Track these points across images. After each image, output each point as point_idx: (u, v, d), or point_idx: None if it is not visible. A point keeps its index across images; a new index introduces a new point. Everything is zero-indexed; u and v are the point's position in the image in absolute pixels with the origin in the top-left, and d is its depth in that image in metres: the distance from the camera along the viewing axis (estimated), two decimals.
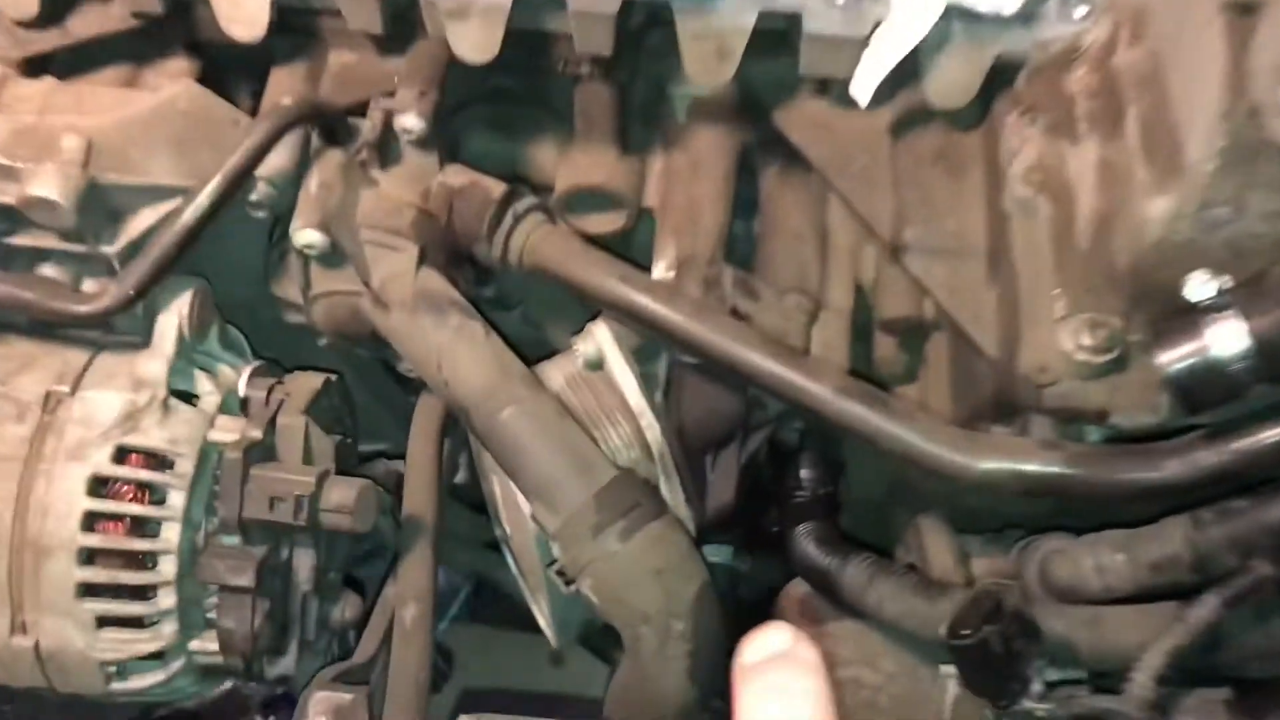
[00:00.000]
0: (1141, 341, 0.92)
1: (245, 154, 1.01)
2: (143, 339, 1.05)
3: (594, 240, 1.21)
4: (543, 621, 1.24)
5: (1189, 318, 0.86)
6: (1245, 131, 0.81)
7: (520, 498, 1.07)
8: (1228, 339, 0.84)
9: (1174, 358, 0.86)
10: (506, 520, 1.21)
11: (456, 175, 1.13)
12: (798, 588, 1.20)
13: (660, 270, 1.17)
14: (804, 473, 1.22)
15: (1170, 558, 0.95)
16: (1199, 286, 0.84)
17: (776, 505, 1.24)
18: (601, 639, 1.18)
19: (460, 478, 1.43)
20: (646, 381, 1.11)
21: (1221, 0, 0.80)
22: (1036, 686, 0.89)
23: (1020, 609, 0.89)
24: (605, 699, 1.05)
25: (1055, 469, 0.93)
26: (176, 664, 1.03)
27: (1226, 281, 0.84)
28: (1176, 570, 0.95)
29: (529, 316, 1.30)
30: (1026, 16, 0.98)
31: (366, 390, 1.29)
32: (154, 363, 1.02)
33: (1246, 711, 0.93)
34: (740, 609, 1.28)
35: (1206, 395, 0.87)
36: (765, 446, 1.24)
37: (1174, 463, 0.92)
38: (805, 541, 1.13)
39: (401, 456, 1.16)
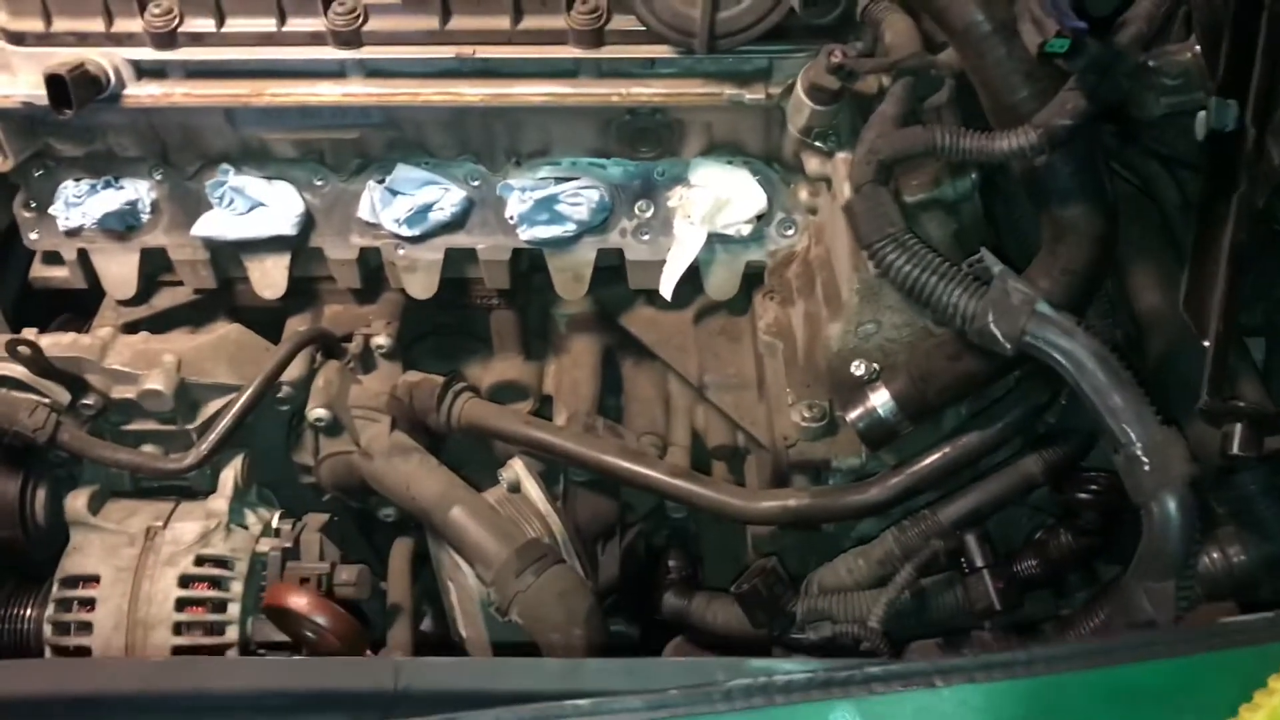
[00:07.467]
0: (841, 415, 1.49)
1: (277, 361, 1.58)
2: (210, 491, 1.58)
3: None
4: None
5: (861, 390, 1.44)
6: (867, 277, 1.41)
7: (470, 584, 1.57)
8: (881, 400, 1.42)
9: (856, 416, 1.43)
10: (461, 622, 1.70)
11: (413, 376, 1.71)
12: (674, 643, 1.69)
13: None
14: (671, 562, 1.74)
15: (888, 553, 1.47)
16: (859, 369, 1.42)
17: (656, 590, 1.75)
18: None
19: (425, 625, 1.92)
20: (551, 496, 1.64)
21: (840, 208, 1.42)
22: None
23: (777, 570, 1.40)
24: None
25: (805, 502, 1.48)
26: None
27: (875, 367, 1.43)
28: (893, 561, 1.47)
29: (468, 479, 1.83)
30: (759, 237, 1.62)
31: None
32: (219, 500, 1.55)
33: (951, 648, 1.43)
34: None
35: (878, 437, 1.43)
36: (642, 542, 1.76)
37: (876, 489, 1.46)
38: (669, 596, 1.64)
39: None
